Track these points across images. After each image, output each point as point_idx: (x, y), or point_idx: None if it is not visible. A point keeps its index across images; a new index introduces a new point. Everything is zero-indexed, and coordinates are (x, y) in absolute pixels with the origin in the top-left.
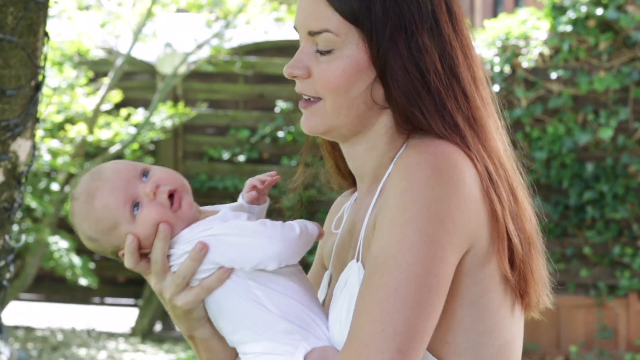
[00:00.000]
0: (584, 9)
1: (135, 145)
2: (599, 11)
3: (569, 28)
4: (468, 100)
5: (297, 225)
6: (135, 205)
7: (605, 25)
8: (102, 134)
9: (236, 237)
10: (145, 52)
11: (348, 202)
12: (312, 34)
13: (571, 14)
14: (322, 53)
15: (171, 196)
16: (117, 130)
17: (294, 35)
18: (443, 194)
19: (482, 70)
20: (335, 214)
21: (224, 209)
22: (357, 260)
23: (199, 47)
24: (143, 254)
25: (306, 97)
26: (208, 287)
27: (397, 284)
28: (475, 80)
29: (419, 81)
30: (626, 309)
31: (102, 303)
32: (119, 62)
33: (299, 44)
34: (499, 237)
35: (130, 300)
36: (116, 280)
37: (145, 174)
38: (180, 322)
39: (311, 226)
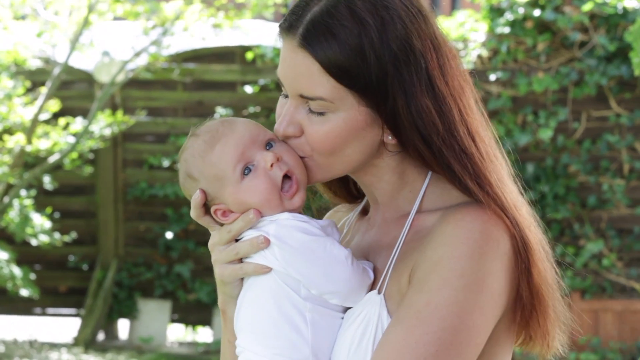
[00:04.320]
0: (521, 10)
1: (74, 155)
2: (537, 12)
3: (506, 30)
4: (468, 157)
5: (371, 273)
6: (247, 168)
7: (543, 27)
8: (40, 144)
9: (324, 258)
10: (83, 61)
11: (350, 216)
12: (304, 97)
13: (509, 16)
14: (315, 113)
15: (286, 177)
16: (56, 139)
17: (231, 42)
18: (498, 269)
19: (476, 118)
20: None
21: (330, 220)
22: (380, 292)
23: (137, 54)
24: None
25: None
26: (245, 271)
27: (440, 345)
28: (470, 133)
29: (422, 143)
30: (569, 308)
31: (43, 313)
32: (56, 71)
33: (283, 91)
34: (520, 302)
35: (72, 310)
36: (57, 290)
37: (270, 143)
38: (218, 290)
39: (372, 269)
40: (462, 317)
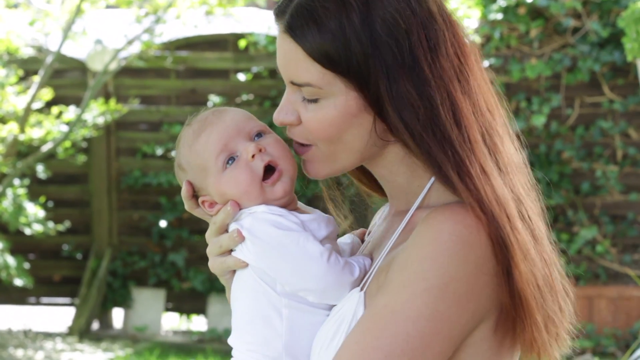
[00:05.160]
0: None
1: (67, 143)
2: None
3: (499, 16)
4: (449, 144)
5: (357, 269)
6: (231, 158)
7: (535, 13)
8: (33, 133)
9: (296, 254)
10: (76, 50)
11: (380, 212)
12: (294, 84)
13: (502, 2)
14: (309, 101)
15: (270, 169)
16: (49, 128)
17: (224, 29)
18: (466, 273)
19: (472, 102)
20: (373, 221)
21: (317, 214)
22: (362, 289)
23: (130, 43)
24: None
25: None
26: (227, 265)
27: (389, 351)
28: (456, 118)
29: (404, 128)
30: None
31: (38, 303)
32: (49, 60)
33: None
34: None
35: (67, 300)
36: (52, 280)
37: (259, 134)
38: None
39: (368, 264)
40: (418, 323)
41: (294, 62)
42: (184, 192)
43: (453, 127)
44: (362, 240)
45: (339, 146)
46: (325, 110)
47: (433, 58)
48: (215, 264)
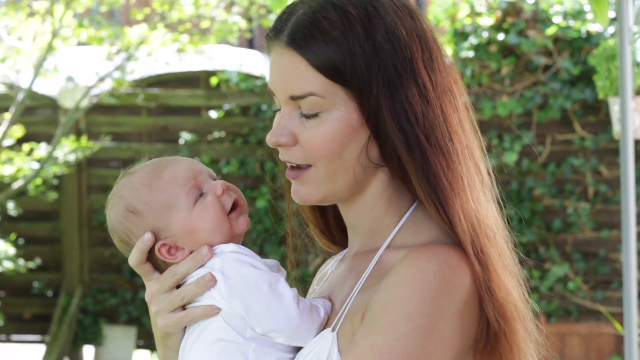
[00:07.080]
0: (485, 34)
1: (38, 181)
2: (501, 36)
3: (471, 54)
4: (444, 156)
5: (323, 310)
6: (199, 195)
7: (507, 50)
8: (4, 170)
9: (269, 294)
10: (47, 87)
11: (334, 260)
12: (294, 98)
13: (473, 40)
14: (308, 117)
15: (233, 207)
16: (20, 165)
17: (196, 67)
18: (451, 313)
19: (458, 117)
20: (321, 272)
21: (274, 260)
22: (333, 330)
23: (101, 80)
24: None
25: (293, 165)
26: (192, 316)
27: None
28: (449, 132)
29: (402, 138)
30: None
31: (8, 340)
32: (20, 97)
33: (276, 105)
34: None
35: (37, 337)
36: (22, 317)
37: (212, 177)
38: (157, 345)
39: (329, 306)
40: None
41: (295, 75)
42: (147, 242)
43: (448, 142)
44: None
45: (338, 164)
46: (326, 124)
47: (429, 71)
48: (171, 321)
